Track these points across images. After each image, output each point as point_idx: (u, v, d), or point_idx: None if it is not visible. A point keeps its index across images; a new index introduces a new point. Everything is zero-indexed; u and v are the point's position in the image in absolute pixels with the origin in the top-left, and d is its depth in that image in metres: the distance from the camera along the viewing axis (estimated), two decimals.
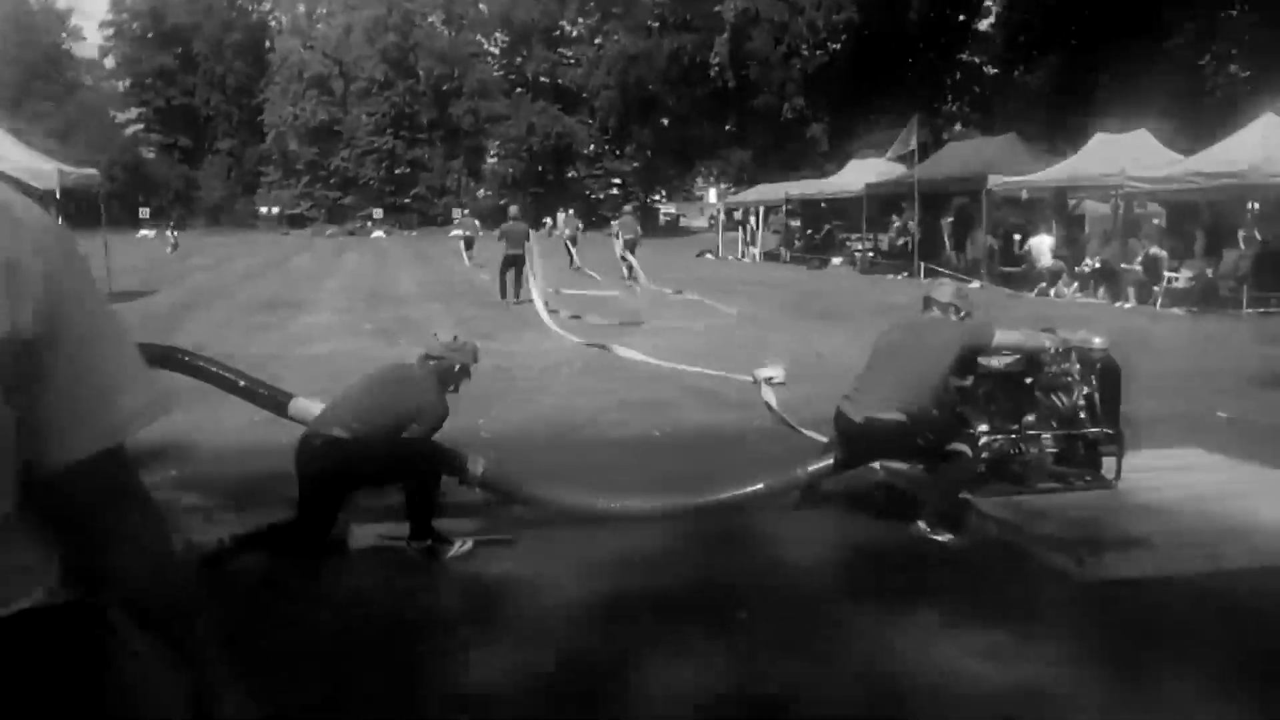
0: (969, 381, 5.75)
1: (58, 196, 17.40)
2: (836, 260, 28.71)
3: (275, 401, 6.09)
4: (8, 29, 77.08)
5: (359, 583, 4.63)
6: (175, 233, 42.65)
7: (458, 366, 5.44)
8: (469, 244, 30.66)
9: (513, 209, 19.59)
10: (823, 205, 32.63)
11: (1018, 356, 5.94)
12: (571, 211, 33.86)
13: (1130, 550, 4.75)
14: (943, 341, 5.36)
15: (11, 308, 1.19)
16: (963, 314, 5.58)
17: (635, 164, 70.05)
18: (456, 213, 37.97)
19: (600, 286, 21.16)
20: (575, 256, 27.10)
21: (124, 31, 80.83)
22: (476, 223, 34.50)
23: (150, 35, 79.73)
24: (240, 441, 6.95)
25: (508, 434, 7.46)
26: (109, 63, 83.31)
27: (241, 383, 6.15)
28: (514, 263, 17.85)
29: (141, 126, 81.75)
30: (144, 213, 58.86)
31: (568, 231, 29.56)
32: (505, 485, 5.41)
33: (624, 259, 24.24)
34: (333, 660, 3.83)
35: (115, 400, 1.28)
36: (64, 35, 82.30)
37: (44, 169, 17.70)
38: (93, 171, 20.54)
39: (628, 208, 31.33)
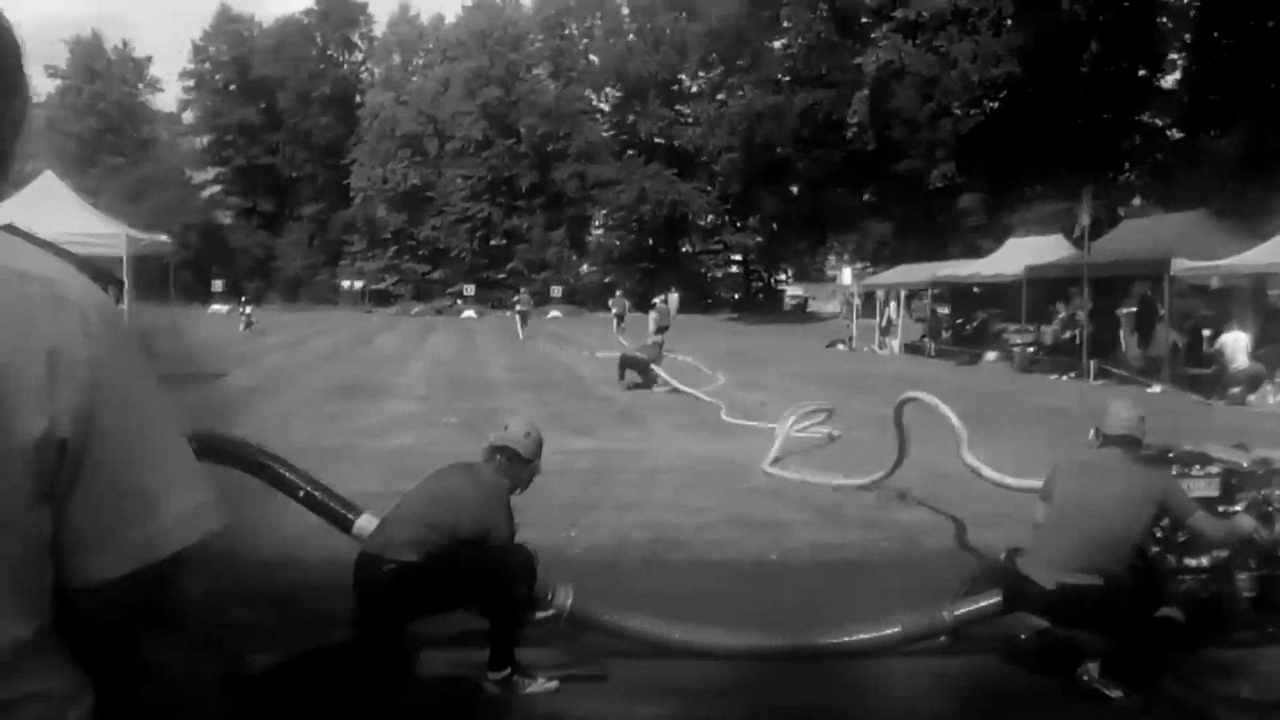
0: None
1: (125, 264, 18.23)
2: (990, 355, 28.24)
3: (339, 517, 6.13)
4: (81, 78, 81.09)
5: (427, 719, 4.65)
6: (250, 308, 44.25)
7: (531, 463, 5.48)
8: (524, 319, 40.19)
9: (654, 336, 22.94)
10: (975, 290, 32.26)
11: (1211, 482, 5.78)
12: (620, 294, 41.59)
13: None
14: (1135, 493, 5.18)
15: (51, 402, 1.19)
16: (1142, 448, 5.42)
17: (758, 238, 70.58)
18: (520, 294, 44.94)
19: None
20: (621, 340, 29.62)
21: (205, 83, 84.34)
22: (530, 299, 45.11)
23: (233, 88, 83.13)
24: (303, 549, 7.09)
25: (600, 547, 7.51)
26: (187, 117, 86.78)
27: (302, 491, 6.24)
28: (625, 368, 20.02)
29: (219, 188, 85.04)
30: (217, 285, 61.34)
31: (615, 310, 38.32)
32: (595, 621, 5.38)
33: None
34: None
35: (156, 510, 1.26)
36: (141, 86, 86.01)
37: (111, 233, 18.51)
38: (164, 238, 21.55)
39: (661, 297, 37.13)
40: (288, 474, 6.32)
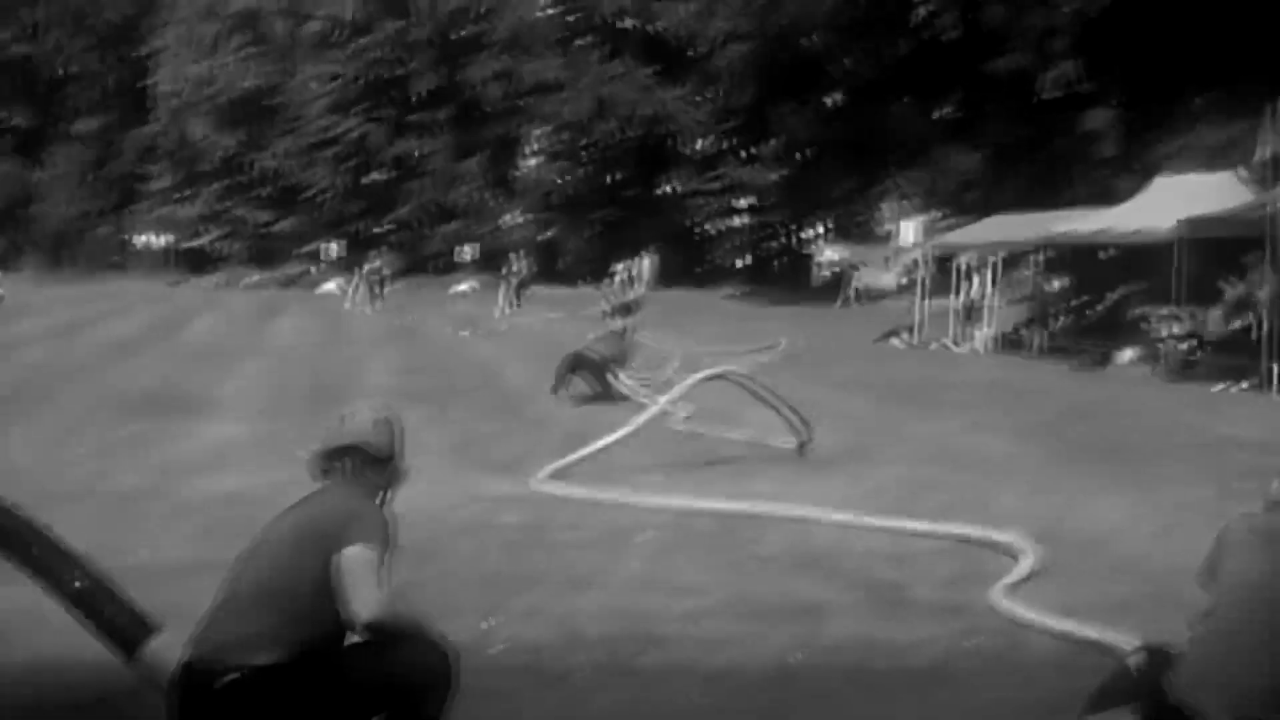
0: None
1: None
2: (1127, 353, 28.36)
3: (120, 631, 5.98)
4: None
5: None
6: None
7: (391, 462, 5.52)
8: (379, 286, 48.51)
9: (616, 323, 24.02)
10: (1105, 255, 32.33)
11: None
12: (521, 253, 51.39)
13: None
14: None
15: None
16: None
17: (780, 172, 70.39)
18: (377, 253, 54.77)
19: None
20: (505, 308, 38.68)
21: None
22: (381, 264, 52.26)
23: None
24: (82, 645, 7.07)
25: (536, 646, 7.54)
26: None
27: (74, 580, 6.09)
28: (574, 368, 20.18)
29: None
30: None
31: (514, 274, 47.42)
32: None
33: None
34: None
35: None
36: None
37: None
38: None
39: (624, 263, 42.60)
40: (43, 552, 6.18)
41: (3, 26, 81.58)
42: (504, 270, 49.98)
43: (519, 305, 43.93)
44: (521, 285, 46.49)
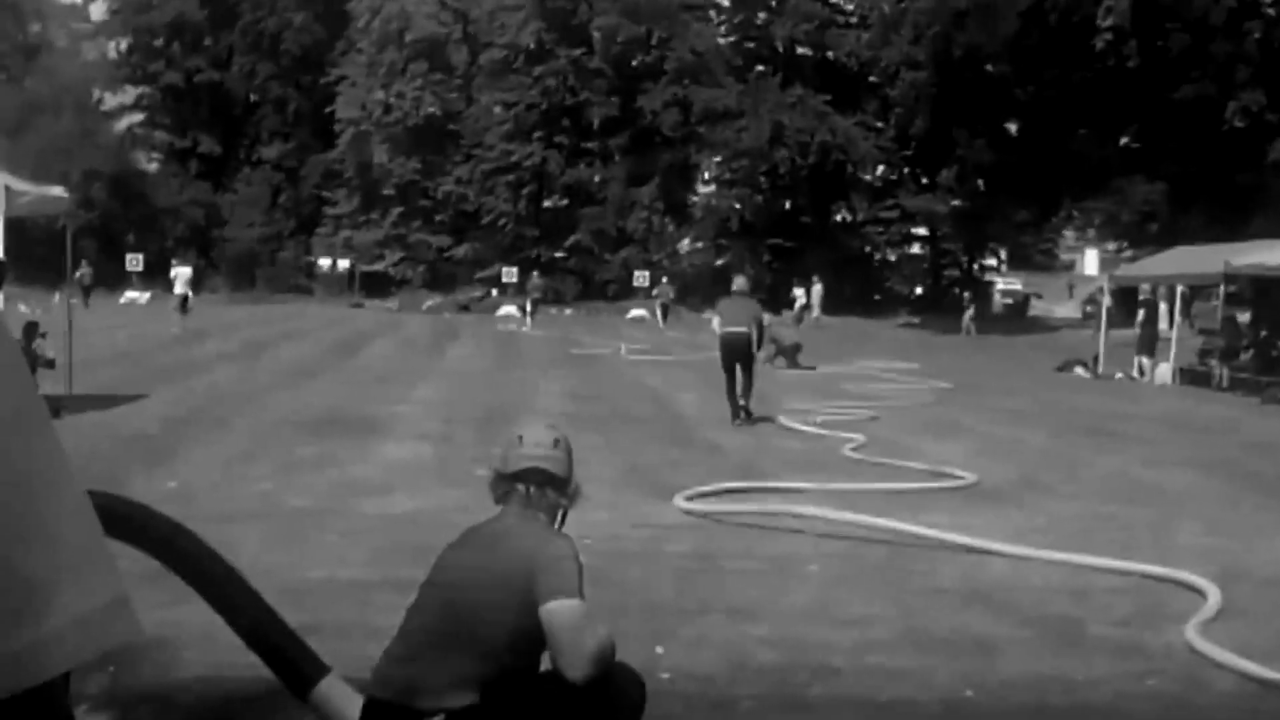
0: None
1: None
2: None
3: (293, 668, 5.99)
4: None
5: None
6: (185, 282, 44.49)
7: (569, 483, 5.36)
8: (533, 308, 52.57)
9: (739, 280, 22.34)
10: None
11: None
12: (665, 281, 56.35)
13: None
14: None
15: None
16: None
17: (955, 202, 69.77)
18: (533, 278, 57.98)
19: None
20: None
21: None
22: (542, 285, 56.80)
23: None
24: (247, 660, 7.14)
25: (704, 675, 7.49)
26: (97, 11, 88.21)
27: (251, 616, 6.09)
28: (733, 362, 19.85)
29: (140, 118, 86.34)
30: (134, 261, 62.05)
31: (659, 299, 53.67)
32: None
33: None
34: None
35: (42, 613, 1.23)
36: None
37: None
38: (59, 192, 21.84)
39: (802, 290, 43.94)
40: (220, 577, 6.19)
41: (195, 54, 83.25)
42: (655, 293, 54.77)
43: (665, 327, 45.96)
44: (666, 309, 49.44)
